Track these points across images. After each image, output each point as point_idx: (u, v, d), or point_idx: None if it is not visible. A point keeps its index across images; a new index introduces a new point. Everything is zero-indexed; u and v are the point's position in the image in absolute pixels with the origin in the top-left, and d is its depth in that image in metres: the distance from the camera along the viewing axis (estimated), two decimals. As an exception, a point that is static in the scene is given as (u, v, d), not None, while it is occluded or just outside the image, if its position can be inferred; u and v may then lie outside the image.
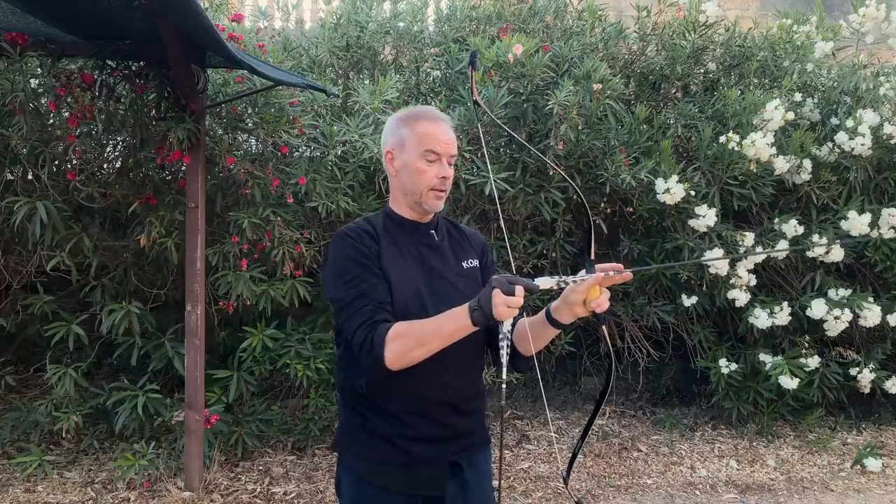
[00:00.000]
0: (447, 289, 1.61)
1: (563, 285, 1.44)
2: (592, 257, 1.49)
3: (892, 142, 3.91)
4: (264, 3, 5.63)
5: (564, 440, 4.15)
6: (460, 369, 1.63)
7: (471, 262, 1.71)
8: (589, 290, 1.44)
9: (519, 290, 1.35)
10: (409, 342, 1.44)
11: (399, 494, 1.58)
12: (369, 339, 1.46)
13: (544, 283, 1.41)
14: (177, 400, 3.50)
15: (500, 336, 1.42)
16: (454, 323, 1.42)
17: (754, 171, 3.82)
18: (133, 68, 3.08)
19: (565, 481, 1.61)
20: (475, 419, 1.70)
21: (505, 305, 1.34)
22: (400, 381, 1.53)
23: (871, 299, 3.99)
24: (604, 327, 1.56)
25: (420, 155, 1.59)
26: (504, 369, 1.43)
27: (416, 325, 1.47)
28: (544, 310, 1.57)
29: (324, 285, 1.66)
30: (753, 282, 3.95)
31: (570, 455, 1.72)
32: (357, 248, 1.56)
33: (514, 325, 1.47)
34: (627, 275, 1.45)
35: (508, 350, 1.43)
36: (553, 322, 1.55)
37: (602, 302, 1.45)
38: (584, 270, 1.45)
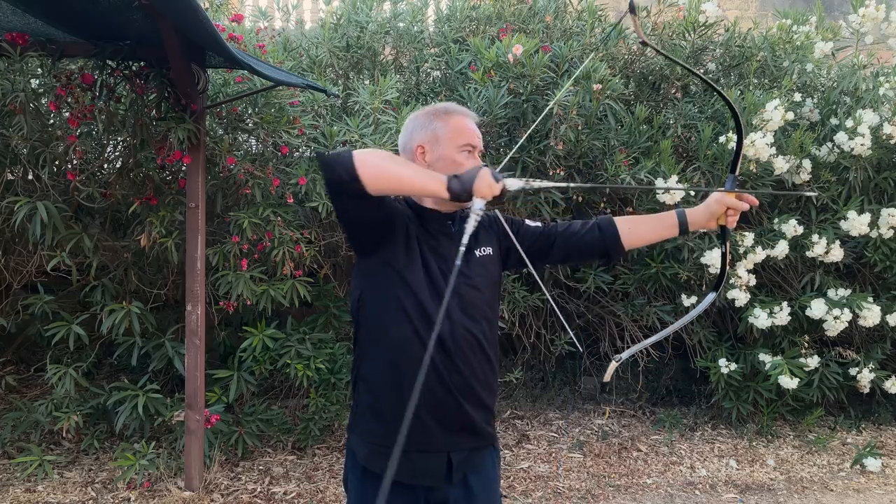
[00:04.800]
0: (457, 276, 1.62)
1: (528, 185, 1.52)
2: (736, 173, 1.80)
3: (892, 142, 3.91)
4: (264, 4, 5.63)
5: (564, 440, 4.15)
6: (481, 363, 1.64)
7: (484, 251, 1.71)
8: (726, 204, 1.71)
9: (503, 183, 1.47)
10: (383, 158, 1.48)
11: (399, 484, 1.55)
12: (343, 151, 1.48)
13: (512, 183, 1.50)
14: (177, 400, 3.50)
15: (470, 211, 1.47)
16: (431, 180, 1.48)
17: (754, 171, 3.83)
18: (133, 68, 3.07)
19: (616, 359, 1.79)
20: (483, 416, 1.68)
21: (488, 186, 1.44)
22: (410, 371, 1.54)
23: (870, 299, 3.99)
24: (728, 244, 1.87)
25: (458, 148, 1.62)
26: (465, 238, 1.44)
27: (398, 157, 1.56)
28: (673, 212, 1.75)
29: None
30: (753, 282, 3.95)
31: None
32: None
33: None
34: (753, 200, 1.74)
35: (474, 228, 1.46)
36: (682, 224, 1.76)
37: (732, 221, 1.74)
38: (727, 184, 1.76)
